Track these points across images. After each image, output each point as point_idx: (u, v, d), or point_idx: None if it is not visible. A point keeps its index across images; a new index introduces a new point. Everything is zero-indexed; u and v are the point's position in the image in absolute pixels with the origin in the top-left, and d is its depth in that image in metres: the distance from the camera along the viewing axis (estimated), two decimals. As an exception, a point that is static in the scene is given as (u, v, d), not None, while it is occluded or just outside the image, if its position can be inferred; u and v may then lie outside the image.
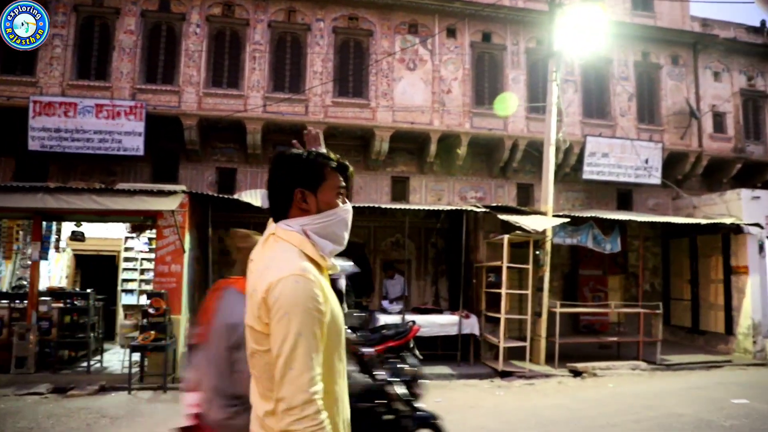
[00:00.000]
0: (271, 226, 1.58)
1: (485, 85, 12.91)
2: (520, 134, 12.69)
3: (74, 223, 10.72)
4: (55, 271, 11.27)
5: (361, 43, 12.46)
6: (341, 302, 2.89)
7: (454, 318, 10.00)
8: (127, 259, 11.94)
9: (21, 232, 10.41)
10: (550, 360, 9.80)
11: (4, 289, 9.92)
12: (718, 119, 14.26)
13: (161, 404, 7.29)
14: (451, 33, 12.76)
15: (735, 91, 14.45)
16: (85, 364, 8.69)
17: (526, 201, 13.17)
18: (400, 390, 3.37)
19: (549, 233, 10.09)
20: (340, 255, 1.67)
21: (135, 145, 10.64)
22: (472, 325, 10.01)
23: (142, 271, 11.85)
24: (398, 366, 3.62)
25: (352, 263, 3.45)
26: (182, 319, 8.90)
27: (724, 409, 7.05)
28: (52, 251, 10.68)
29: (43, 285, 9.62)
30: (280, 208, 1.57)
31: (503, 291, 9.50)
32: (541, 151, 11.05)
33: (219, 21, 11.81)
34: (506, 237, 9.56)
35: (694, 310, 12.51)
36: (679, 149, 13.72)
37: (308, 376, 1.34)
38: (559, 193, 12.79)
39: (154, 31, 11.62)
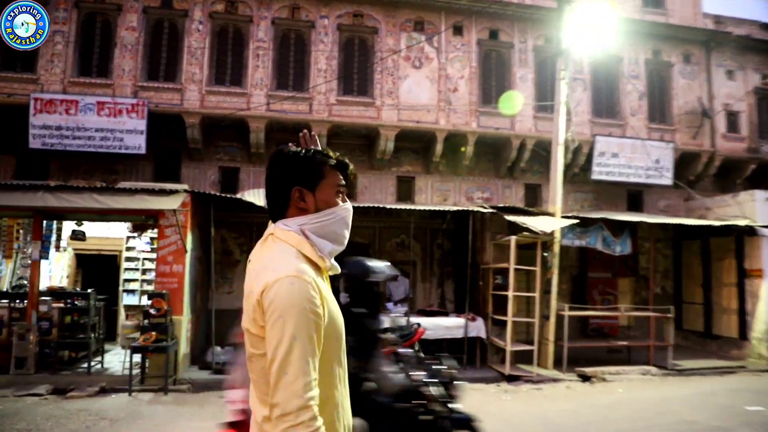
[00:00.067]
0: (271, 226, 1.55)
1: (492, 83, 12.79)
2: (528, 133, 12.55)
3: (75, 222, 10.70)
4: (56, 270, 11.24)
5: (366, 40, 12.37)
6: (377, 304, 3.03)
7: (460, 321, 9.94)
8: (128, 259, 11.91)
9: (21, 231, 10.38)
10: (558, 364, 9.70)
11: (5, 289, 9.89)
12: (732, 118, 14.06)
13: (162, 406, 7.26)
14: (458, 30, 12.65)
15: (749, 89, 14.25)
16: (85, 365, 8.64)
17: (533, 202, 13.04)
18: (438, 391, 3.34)
19: (557, 235, 9.99)
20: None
21: (137, 143, 10.58)
22: (478, 328, 9.96)
23: (144, 271, 11.81)
24: (435, 367, 3.59)
25: (389, 264, 3.35)
26: (184, 320, 8.90)
27: (737, 416, 6.94)
28: (52, 251, 10.64)
29: (43, 285, 9.57)
30: (278, 208, 1.54)
31: (510, 293, 9.43)
32: (549, 150, 10.94)
33: (222, 18, 11.74)
34: (513, 238, 9.51)
35: (707, 314, 12.35)
36: (691, 149, 13.55)
37: (303, 381, 1.30)
38: (568, 193, 12.65)
39: (157, 28, 11.56)
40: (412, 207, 10.63)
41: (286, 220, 1.52)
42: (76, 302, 8.98)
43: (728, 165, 13.93)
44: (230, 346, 9.05)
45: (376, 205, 10.51)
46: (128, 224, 10.84)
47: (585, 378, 9.29)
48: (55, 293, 9.16)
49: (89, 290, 9.21)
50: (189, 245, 8.98)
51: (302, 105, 11.75)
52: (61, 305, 8.80)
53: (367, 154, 12.59)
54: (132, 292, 11.74)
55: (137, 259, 11.92)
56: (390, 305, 10.51)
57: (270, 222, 1.57)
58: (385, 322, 9.57)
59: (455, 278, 12.32)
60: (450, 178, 12.92)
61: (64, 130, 10.37)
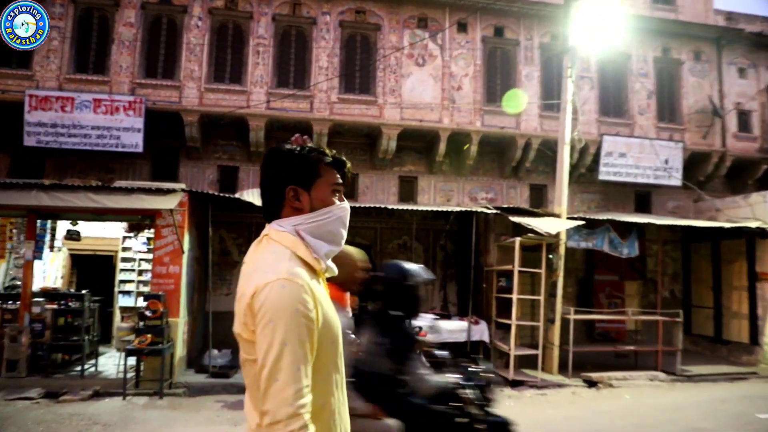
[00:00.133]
0: (267, 227, 1.52)
1: (497, 81, 12.64)
2: (534, 133, 12.42)
3: (70, 221, 10.62)
4: (50, 271, 11.17)
5: (369, 37, 12.24)
6: (414, 307, 3.12)
7: (462, 324, 9.93)
8: (124, 260, 11.81)
9: (15, 231, 10.30)
10: (563, 369, 9.59)
11: (-2, 290, 9.77)
12: (743, 118, 13.89)
13: (156, 411, 7.21)
14: (462, 27, 12.51)
15: (761, 88, 14.06)
16: (79, 368, 8.57)
17: (539, 202, 12.92)
18: (474, 394, 3.31)
19: (563, 236, 9.89)
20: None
21: (134, 141, 10.48)
22: (481, 332, 9.96)
23: (140, 272, 11.71)
24: (471, 369, 3.55)
25: (422, 266, 3.35)
26: (180, 322, 8.86)
27: (749, 424, 6.85)
28: (46, 251, 10.56)
29: (37, 285, 9.52)
30: (272, 208, 1.51)
31: (514, 296, 9.37)
32: (555, 150, 10.80)
33: (222, 14, 11.63)
34: (518, 240, 9.45)
35: (717, 319, 12.19)
36: (701, 149, 13.37)
37: (294, 388, 1.27)
38: (574, 194, 12.60)
39: (155, 24, 11.45)
40: (415, 207, 10.55)
41: (281, 221, 1.48)
42: (69, 303, 8.87)
43: (739, 165, 13.76)
44: (228, 349, 8.97)
45: (377, 206, 10.41)
46: (124, 224, 10.76)
47: (591, 383, 9.19)
48: (49, 294, 9.06)
49: (83, 291, 9.12)
50: (186, 246, 8.92)
51: (303, 103, 11.63)
52: (55, 307, 8.70)
53: (369, 154, 12.47)
54: (128, 293, 11.64)
55: (133, 259, 11.82)
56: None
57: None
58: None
59: (458, 280, 12.24)
60: (453, 178, 12.79)
61: (60, 128, 10.27)
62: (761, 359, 10.91)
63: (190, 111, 10.99)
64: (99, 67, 11.13)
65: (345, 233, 1.56)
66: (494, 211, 10.31)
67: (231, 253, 11.40)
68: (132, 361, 7.99)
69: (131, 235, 11.13)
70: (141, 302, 9.51)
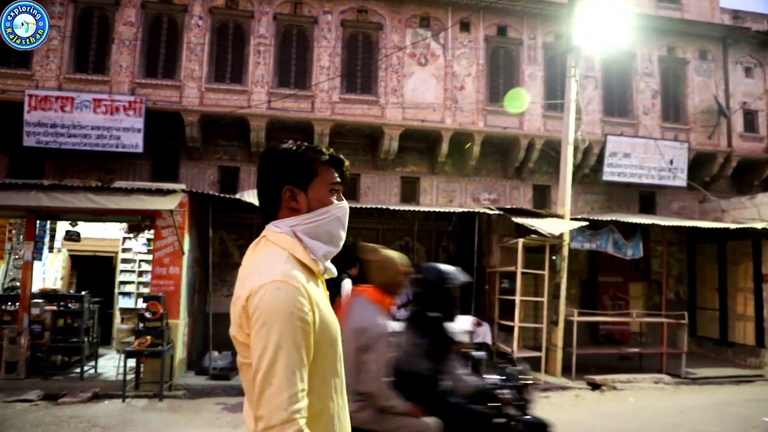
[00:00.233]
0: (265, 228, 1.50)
1: (500, 81, 12.59)
2: (537, 133, 12.35)
3: (69, 222, 10.58)
4: (50, 272, 11.15)
5: (371, 36, 12.19)
6: (452, 308, 3.18)
7: (465, 325, 9.73)
8: (124, 261, 11.78)
9: (14, 232, 10.28)
10: (566, 372, 9.55)
11: (-3, 291, 9.76)
12: (749, 117, 13.80)
13: (156, 413, 7.16)
14: (465, 26, 12.45)
15: None
16: (78, 369, 8.53)
17: (542, 203, 12.87)
18: (511, 394, 3.35)
19: (566, 237, 9.84)
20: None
21: (134, 141, 10.46)
22: (484, 334, 9.88)
23: (141, 273, 11.67)
24: (509, 370, 3.59)
25: (460, 269, 3.43)
26: (180, 324, 8.82)
27: (755, 428, 6.82)
28: (46, 252, 10.53)
29: (36, 287, 9.49)
30: (269, 209, 1.48)
31: (517, 298, 9.34)
32: (558, 150, 10.74)
33: (222, 13, 11.60)
34: (521, 241, 9.44)
35: (722, 321, 12.10)
36: (706, 149, 13.28)
37: (288, 393, 1.24)
38: (578, 195, 12.54)
39: (155, 24, 11.43)
40: (417, 208, 10.51)
41: (278, 222, 1.45)
42: (69, 305, 8.83)
43: (745, 166, 13.70)
44: (229, 351, 8.93)
45: (379, 206, 10.36)
46: (124, 225, 10.75)
47: (595, 386, 9.13)
48: (48, 295, 9.02)
49: (83, 293, 9.08)
50: (186, 247, 8.87)
51: (304, 103, 11.58)
52: (54, 308, 8.65)
53: (371, 154, 12.42)
54: (128, 294, 11.60)
55: (133, 260, 11.79)
56: (393, 309, 10.28)
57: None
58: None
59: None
60: (456, 179, 12.73)
61: (59, 128, 10.25)
62: (767, 362, 10.82)
63: (190, 111, 10.95)
64: (99, 66, 11.11)
65: (344, 234, 1.52)
66: (497, 212, 10.27)
67: (232, 254, 11.36)
68: (132, 362, 7.94)
69: (131, 236, 11.10)
70: (141, 304, 9.47)
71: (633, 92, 13.20)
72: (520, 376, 3.52)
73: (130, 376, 7.89)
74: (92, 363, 9.03)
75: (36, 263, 9.25)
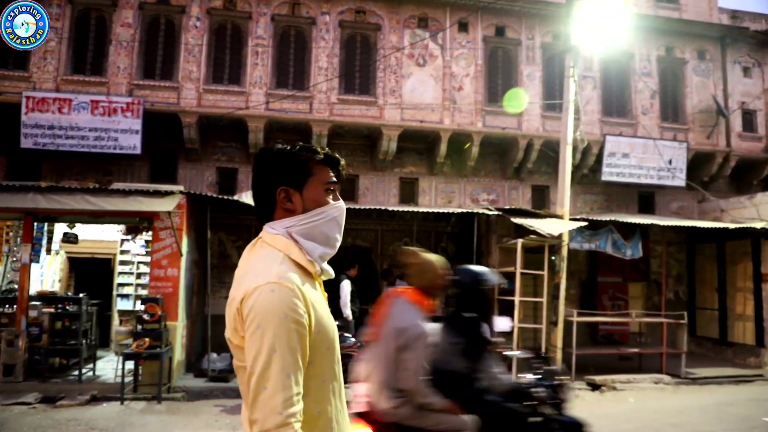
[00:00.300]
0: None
1: (498, 81, 12.56)
2: (536, 133, 12.33)
3: (67, 224, 10.54)
4: (48, 274, 11.10)
5: (369, 37, 12.17)
6: (487, 309, 3.41)
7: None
8: (123, 263, 11.73)
9: (11, 234, 10.22)
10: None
11: (-5, 293, 9.69)
12: (748, 117, 13.80)
13: (154, 416, 7.14)
14: (463, 27, 12.43)
15: (766, 87, 13.97)
16: (76, 372, 8.49)
17: (541, 204, 12.85)
18: (546, 393, 3.46)
19: (565, 238, 9.77)
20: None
21: (132, 143, 10.43)
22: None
23: (139, 275, 11.63)
24: (544, 369, 3.71)
25: (494, 270, 3.47)
26: (179, 326, 8.80)
27: (755, 428, 6.81)
28: (43, 254, 10.47)
29: (34, 289, 9.45)
30: (265, 210, 1.47)
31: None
32: (557, 151, 10.70)
33: (220, 14, 11.57)
34: (520, 241, 9.42)
35: (722, 321, 12.09)
36: (705, 149, 13.27)
37: (283, 397, 1.23)
38: (577, 195, 12.51)
39: (153, 25, 11.39)
40: (416, 209, 10.50)
41: (273, 223, 1.44)
42: (67, 307, 8.82)
43: (744, 165, 13.69)
44: (228, 353, 8.91)
45: (378, 207, 10.32)
46: (122, 227, 10.74)
47: (594, 387, 9.12)
48: (46, 298, 9.00)
49: (81, 295, 9.05)
50: (184, 248, 8.85)
51: (302, 104, 11.56)
52: (52, 310, 8.62)
53: (369, 155, 12.40)
54: (126, 296, 11.56)
55: (132, 262, 11.75)
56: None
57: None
58: (367, 330, 9.46)
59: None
60: (454, 180, 12.71)
61: (57, 130, 10.22)
62: (767, 361, 10.81)
63: (188, 112, 10.92)
64: (96, 68, 11.08)
65: (340, 234, 1.51)
66: (496, 213, 10.24)
67: (230, 255, 11.32)
68: (130, 365, 7.92)
69: (129, 237, 11.09)
70: (139, 306, 9.44)
71: (632, 92, 13.18)
72: (555, 376, 3.62)
73: (129, 379, 7.87)
74: (90, 365, 9.00)
75: (34, 265, 9.18)
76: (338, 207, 1.50)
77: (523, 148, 12.29)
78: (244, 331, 1.29)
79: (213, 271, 10.04)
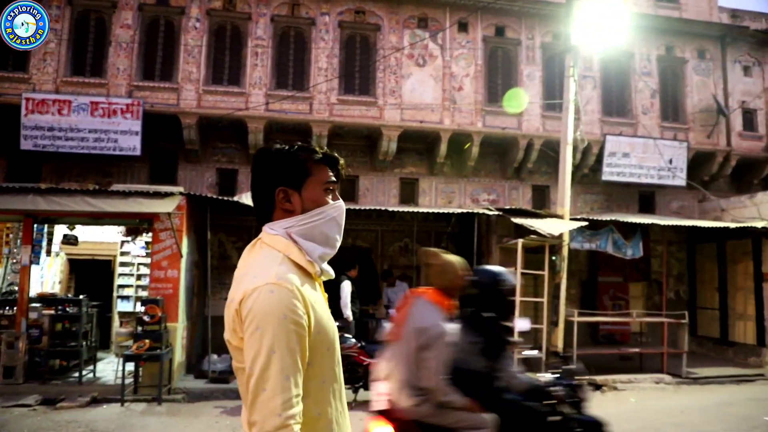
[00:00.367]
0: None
1: (498, 81, 12.54)
2: (536, 133, 12.31)
3: (67, 226, 10.52)
4: (48, 276, 11.07)
5: (368, 38, 12.16)
6: (506, 309, 3.44)
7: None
8: (123, 264, 11.73)
9: (12, 236, 10.21)
10: (584, 371, 9.43)
11: (-5, 295, 9.70)
12: (748, 116, 13.77)
13: (155, 417, 7.13)
14: (463, 27, 12.41)
15: (766, 86, 13.96)
16: (76, 374, 8.48)
17: (541, 204, 12.82)
18: (565, 392, 3.49)
19: (566, 238, 9.76)
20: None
21: (132, 144, 10.41)
22: None
23: (139, 277, 11.62)
24: (564, 368, 3.75)
25: (512, 270, 3.52)
26: (179, 327, 8.79)
27: (757, 427, 6.78)
28: (43, 255, 10.46)
29: (34, 291, 9.44)
30: (264, 210, 1.47)
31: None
32: (557, 151, 10.68)
33: (220, 15, 11.56)
34: (520, 241, 9.42)
35: (723, 320, 12.07)
36: (705, 149, 13.24)
37: (282, 398, 1.22)
38: (577, 195, 12.47)
39: (152, 26, 11.37)
40: (416, 209, 10.50)
41: (272, 224, 1.44)
42: (67, 309, 8.80)
43: (745, 165, 13.66)
44: (228, 355, 8.89)
45: (378, 208, 10.27)
46: (122, 228, 10.72)
47: (595, 387, 8.90)
48: (46, 300, 8.97)
49: (81, 296, 9.04)
50: (184, 250, 8.84)
51: (302, 105, 11.54)
52: (52, 312, 8.61)
53: (369, 155, 12.38)
54: (126, 298, 11.55)
55: (132, 264, 11.74)
56: (393, 312, 10.22)
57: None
58: (388, 328, 9.44)
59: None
60: (455, 180, 12.69)
61: (57, 131, 10.20)
62: (768, 361, 10.81)
63: (188, 113, 10.90)
64: (96, 69, 11.06)
65: (340, 234, 1.50)
66: (496, 213, 10.22)
67: (230, 256, 11.30)
68: (130, 366, 7.91)
69: (129, 239, 11.08)
70: (140, 307, 9.44)
71: (632, 92, 13.16)
72: (574, 375, 3.65)
73: (129, 380, 7.86)
74: (91, 367, 8.99)
75: (34, 267, 9.18)
76: (337, 207, 1.49)
77: (524, 148, 12.26)
78: (243, 333, 1.29)
79: (213, 272, 10.02)
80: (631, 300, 12.57)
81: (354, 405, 7.16)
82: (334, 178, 1.49)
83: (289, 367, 1.25)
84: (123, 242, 11.52)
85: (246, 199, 9.19)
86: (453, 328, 2.98)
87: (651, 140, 12.65)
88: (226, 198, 9.48)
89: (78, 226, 10.72)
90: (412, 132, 11.87)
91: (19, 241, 9.79)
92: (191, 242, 9.29)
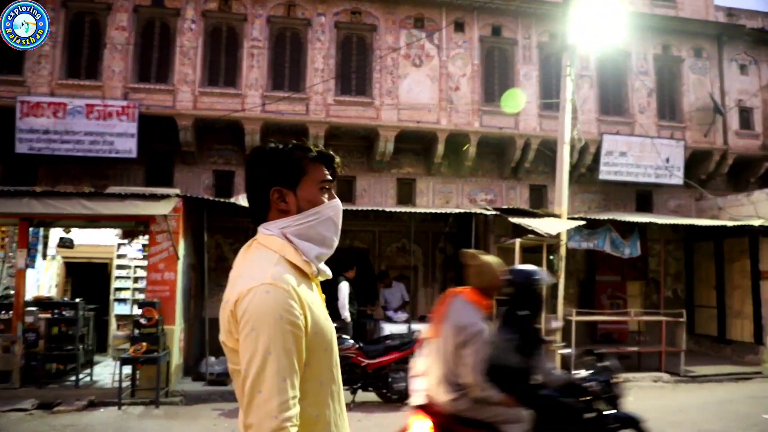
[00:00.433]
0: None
1: (495, 81, 12.54)
2: (533, 133, 12.31)
3: (63, 229, 10.46)
4: (44, 279, 10.99)
5: (365, 38, 12.15)
6: (539, 307, 3.53)
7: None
8: (120, 267, 11.64)
9: (7, 239, 10.15)
10: (620, 368, 9.44)
11: (-8, 299, 9.63)
12: (745, 115, 13.80)
13: (152, 420, 7.13)
14: (459, 27, 12.42)
15: (763, 84, 13.97)
16: (73, 377, 8.42)
17: (539, 203, 12.82)
18: (601, 389, 3.55)
19: (564, 237, 9.74)
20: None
21: (127, 146, 10.39)
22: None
23: (136, 279, 11.53)
24: (599, 365, 3.79)
25: (546, 270, 3.60)
26: (176, 330, 8.75)
27: (755, 425, 6.80)
28: (39, 259, 10.39)
29: (30, 294, 9.37)
30: (259, 210, 1.45)
31: None
32: (554, 150, 10.69)
33: (215, 16, 11.54)
34: (518, 241, 9.44)
35: (720, 318, 12.08)
36: (702, 147, 13.26)
37: (278, 400, 1.20)
38: (575, 194, 12.45)
39: (148, 28, 11.35)
40: (413, 210, 10.52)
41: (268, 224, 1.42)
42: (63, 312, 8.73)
43: (741, 163, 13.69)
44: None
45: (375, 208, 10.28)
46: (118, 231, 10.68)
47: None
48: (42, 303, 8.93)
49: (78, 300, 8.99)
50: (181, 252, 8.82)
51: (299, 106, 11.53)
52: (49, 316, 8.57)
53: (366, 156, 12.37)
54: (123, 301, 11.47)
55: (129, 266, 11.66)
56: (390, 312, 10.24)
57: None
58: (386, 329, 9.41)
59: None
60: (452, 180, 12.69)
61: (52, 134, 10.18)
62: (766, 359, 10.79)
63: (184, 115, 10.89)
64: (91, 72, 11.02)
65: (337, 234, 1.48)
66: (494, 213, 10.22)
67: (227, 258, 11.26)
68: (127, 369, 7.88)
69: (126, 241, 11.04)
70: (137, 310, 9.41)
71: (628, 91, 13.17)
72: (609, 372, 3.72)
73: (126, 384, 7.83)
74: (87, 371, 8.91)
75: (30, 271, 9.15)
76: (334, 206, 1.47)
77: (521, 147, 12.27)
78: (239, 334, 1.27)
79: (210, 274, 9.97)
80: (629, 299, 12.55)
81: (352, 406, 7.15)
82: (329, 177, 1.47)
83: (286, 368, 1.23)
84: (119, 245, 11.46)
85: (243, 200, 9.16)
86: (490, 326, 3.08)
87: (648, 139, 12.66)
88: (222, 200, 9.47)
89: (74, 229, 10.66)
90: (409, 132, 11.86)
91: (14, 244, 9.74)
92: (188, 244, 9.27)
